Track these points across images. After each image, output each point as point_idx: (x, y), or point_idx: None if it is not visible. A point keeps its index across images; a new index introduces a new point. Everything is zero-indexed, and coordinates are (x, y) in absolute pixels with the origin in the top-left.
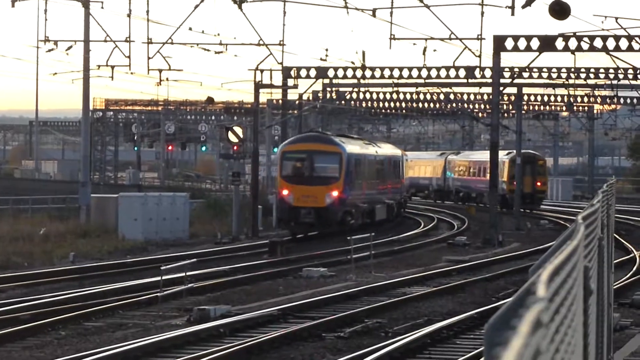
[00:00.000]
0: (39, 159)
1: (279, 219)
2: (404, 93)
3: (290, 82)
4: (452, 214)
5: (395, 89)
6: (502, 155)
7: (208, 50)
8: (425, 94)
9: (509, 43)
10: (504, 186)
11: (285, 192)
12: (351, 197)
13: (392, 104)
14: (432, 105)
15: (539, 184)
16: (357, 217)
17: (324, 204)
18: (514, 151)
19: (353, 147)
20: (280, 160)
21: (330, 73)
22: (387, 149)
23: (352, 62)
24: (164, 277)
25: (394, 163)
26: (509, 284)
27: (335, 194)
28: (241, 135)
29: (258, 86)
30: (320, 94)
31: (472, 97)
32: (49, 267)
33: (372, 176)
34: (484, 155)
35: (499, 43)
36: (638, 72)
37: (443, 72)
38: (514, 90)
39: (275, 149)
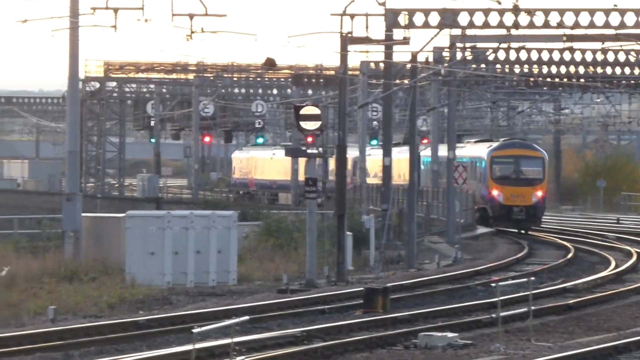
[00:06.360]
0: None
1: (488, 217)
2: (582, 51)
3: (398, 34)
4: None
5: (567, 44)
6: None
7: None
8: (616, 52)
9: None
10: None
11: (495, 192)
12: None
13: (562, 70)
14: (627, 70)
15: None
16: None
17: (530, 202)
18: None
19: None
20: (490, 164)
21: (463, 20)
22: None
23: (498, 2)
24: (197, 346)
25: None
26: None
27: (539, 193)
28: (320, 120)
29: (346, 41)
30: (446, 53)
31: None
32: (15, 330)
33: None
34: None
35: None
36: None
37: None
38: None
39: (374, 141)
